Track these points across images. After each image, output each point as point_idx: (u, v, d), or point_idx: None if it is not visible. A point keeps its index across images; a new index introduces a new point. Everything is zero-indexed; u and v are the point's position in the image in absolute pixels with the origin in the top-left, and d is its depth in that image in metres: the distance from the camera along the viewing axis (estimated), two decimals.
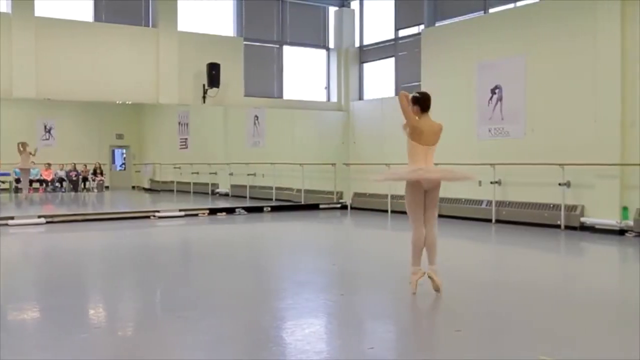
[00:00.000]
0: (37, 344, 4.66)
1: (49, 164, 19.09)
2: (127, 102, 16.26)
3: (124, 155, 21.36)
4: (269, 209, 15.95)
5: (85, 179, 20.23)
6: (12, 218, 12.49)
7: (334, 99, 17.63)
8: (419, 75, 14.95)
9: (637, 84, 10.78)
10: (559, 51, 11.94)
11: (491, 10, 13.68)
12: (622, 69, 10.90)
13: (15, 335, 4.81)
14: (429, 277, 6.14)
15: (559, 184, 11.64)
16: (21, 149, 16.78)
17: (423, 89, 14.66)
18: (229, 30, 16.49)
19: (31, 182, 18.42)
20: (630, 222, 10.78)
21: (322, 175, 17.08)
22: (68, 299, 6.15)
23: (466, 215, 13.41)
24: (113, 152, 21.11)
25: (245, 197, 17.49)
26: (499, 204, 12.86)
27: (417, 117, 6.16)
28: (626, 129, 10.91)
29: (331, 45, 17.67)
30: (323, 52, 17.77)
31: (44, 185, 19.69)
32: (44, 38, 13.90)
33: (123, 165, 21.43)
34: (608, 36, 11.06)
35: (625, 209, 10.88)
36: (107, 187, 20.46)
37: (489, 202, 13.02)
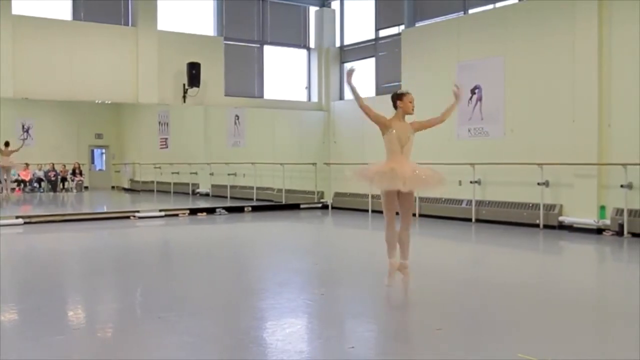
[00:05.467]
0: (14, 346, 4.62)
1: (27, 164, 18.87)
2: (106, 102, 16.13)
3: (104, 155, 21.17)
4: (250, 209, 15.92)
5: (64, 179, 20.02)
6: None
7: (314, 98, 17.64)
8: (399, 75, 15.02)
9: (613, 85, 10.91)
10: (537, 52, 12.04)
11: (470, 11, 13.76)
12: (600, 69, 11.03)
13: None
14: (398, 270, 6.33)
15: (538, 184, 11.75)
16: (2, 148, 16.60)
17: (403, 89, 14.74)
18: (209, 29, 16.44)
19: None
20: (608, 221, 10.91)
21: (303, 175, 17.08)
22: (46, 300, 6.10)
23: (446, 215, 13.49)
24: (92, 152, 20.91)
25: (226, 197, 17.43)
26: (479, 203, 12.95)
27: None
28: (604, 129, 11.04)
29: (312, 45, 17.68)
30: (304, 51, 17.77)
31: (22, 185, 19.46)
32: (21, 37, 13.75)
33: (102, 156, 21.10)
34: (585, 37, 11.18)
35: (602, 208, 11.01)
36: (86, 188, 20.26)
37: (469, 202, 13.10)
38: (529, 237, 11.01)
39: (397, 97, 6.38)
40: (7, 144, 16.64)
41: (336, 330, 5.23)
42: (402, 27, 15.26)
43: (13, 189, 18.85)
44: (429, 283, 6.83)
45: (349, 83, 6.31)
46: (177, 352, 4.47)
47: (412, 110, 6.37)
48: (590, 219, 11.08)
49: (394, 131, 6.23)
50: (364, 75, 16.74)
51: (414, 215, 13.26)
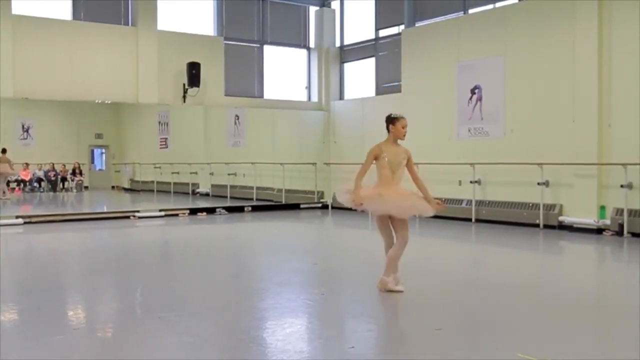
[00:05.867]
0: (14, 346, 4.62)
1: (27, 164, 18.89)
2: (106, 102, 16.13)
3: (104, 155, 21.18)
4: (250, 208, 15.92)
5: (64, 179, 20.03)
6: None
7: (314, 98, 17.64)
8: (399, 75, 15.02)
9: (613, 85, 10.91)
10: (537, 52, 12.04)
11: (470, 11, 13.76)
12: (600, 69, 11.03)
13: None
14: (379, 286, 6.21)
15: (538, 184, 11.74)
16: (0, 155, 16.64)
17: (403, 89, 14.81)
18: (209, 29, 16.44)
19: (8, 182, 18.21)
20: (608, 221, 10.91)
21: (303, 174, 17.08)
22: (46, 300, 6.09)
23: (446, 215, 13.45)
24: (92, 151, 20.92)
25: (226, 197, 17.43)
26: (479, 203, 12.95)
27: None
28: (604, 129, 11.04)
29: (312, 45, 17.67)
30: (304, 51, 17.77)
31: (22, 185, 19.47)
32: (21, 37, 13.75)
33: (102, 155, 21.11)
34: (585, 37, 11.18)
35: (602, 208, 11.01)
36: (86, 187, 20.27)
37: (469, 202, 13.10)
38: (529, 237, 11.01)
39: (390, 121, 6.24)
40: (4, 150, 16.67)
41: (336, 330, 5.23)
42: (402, 27, 15.26)
43: (13, 189, 18.87)
44: (429, 283, 6.83)
45: (359, 203, 6.11)
46: (177, 352, 4.47)
47: (404, 136, 6.23)
48: (590, 219, 11.08)
49: (386, 158, 6.16)
50: (364, 75, 16.78)
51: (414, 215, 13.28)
